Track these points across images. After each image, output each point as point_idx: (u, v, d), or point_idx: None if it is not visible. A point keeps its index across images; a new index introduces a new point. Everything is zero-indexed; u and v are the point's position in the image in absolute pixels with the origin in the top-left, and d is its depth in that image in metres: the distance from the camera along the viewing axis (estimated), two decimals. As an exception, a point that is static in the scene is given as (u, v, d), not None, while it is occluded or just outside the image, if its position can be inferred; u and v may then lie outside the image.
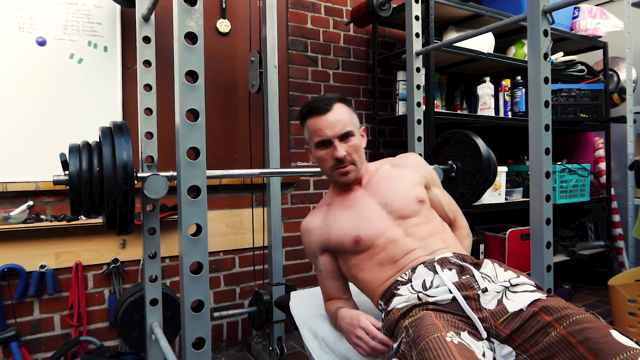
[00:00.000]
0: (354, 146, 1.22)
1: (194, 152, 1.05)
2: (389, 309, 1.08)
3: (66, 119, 1.95)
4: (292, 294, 1.52)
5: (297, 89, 2.52)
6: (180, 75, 1.03)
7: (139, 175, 1.31)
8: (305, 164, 2.55)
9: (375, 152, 2.66)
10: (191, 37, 1.03)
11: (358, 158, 1.23)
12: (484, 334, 0.96)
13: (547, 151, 1.37)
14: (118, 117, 2.03)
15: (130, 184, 1.25)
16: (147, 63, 1.59)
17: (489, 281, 1.04)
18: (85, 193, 1.24)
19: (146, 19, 1.59)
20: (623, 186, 3.01)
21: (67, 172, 1.25)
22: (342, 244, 1.20)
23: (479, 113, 2.66)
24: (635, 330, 2.12)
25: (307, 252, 1.31)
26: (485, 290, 1.00)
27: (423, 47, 1.99)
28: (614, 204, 3.10)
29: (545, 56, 1.36)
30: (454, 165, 1.80)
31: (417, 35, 1.94)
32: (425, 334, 0.89)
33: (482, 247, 2.63)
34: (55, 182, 1.25)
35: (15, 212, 1.82)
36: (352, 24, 2.57)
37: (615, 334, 0.85)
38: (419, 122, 1.95)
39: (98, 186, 1.25)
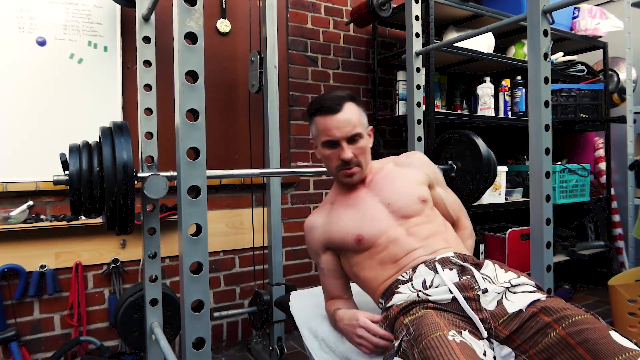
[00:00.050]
0: (361, 148, 1.21)
1: (194, 152, 1.05)
2: (388, 305, 1.09)
3: (66, 119, 1.95)
4: (292, 294, 1.52)
5: (297, 89, 2.52)
6: (180, 75, 1.03)
7: (139, 175, 1.31)
8: (305, 164, 2.55)
9: (375, 152, 2.64)
10: (191, 37, 1.03)
11: (364, 159, 1.23)
12: (485, 334, 0.96)
13: (547, 151, 1.37)
14: (118, 117, 2.03)
15: (130, 184, 1.25)
16: (147, 63, 1.59)
17: (489, 282, 1.04)
18: (85, 193, 1.24)
19: (146, 19, 1.59)
20: (623, 186, 3.01)
21: (67, 172, 1.25)
22: (344, 242, 1.20)
23: (479, 113, 2.66)
24: (635, 330, 2.12)
25: (309, 250, 1.31)
26: (485, 291, 1.00)
27: (423, 47, 1.99)
28: (614, 204, 3.10)
29: (545, 56, 1.36)
30: (454, 165, 1.80)
31: (417, 35, 1.94)
32: (427, 332, 0.89)
33: (482, 247, 2.63)
34: (55, 182, 1.25)
35: (15, 212, 1.83)
36: (352, 24, 2.57)
37: (614, 335, 0.85)
38: (419, 122, 1.95)
39: (98, 186, 1.25)
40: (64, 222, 1.88)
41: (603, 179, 3.11)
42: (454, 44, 2.36)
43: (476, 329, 0.96)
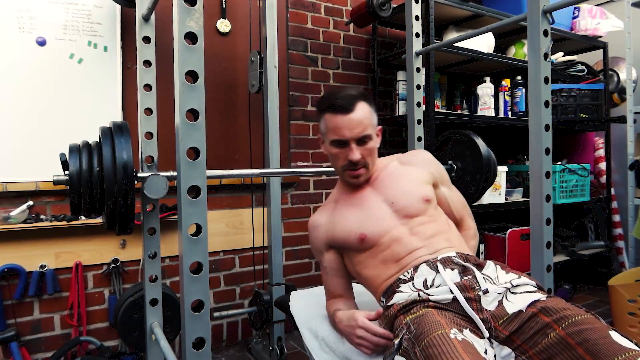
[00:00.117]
0: (370, 149, 1.21)
1: (194, 152, 1.05)
2: (389, 304, 1.09)
3: (66, 119, 1.95)
4: (292, 294, 1.52)
5: (297, 89, 2.52)
6: (180, 75, 1.03)
7: (139, 175, 1.31)
8: (305, 164, 2.55)
9: (375, 152, 2.66)
10: (191, 37, 1.03)
11: (371, 161, 1.23)
12: (486, 333, 0.96)
13: (547, 151, 1.37)
14: (118, 117, 2.03)
15: (130, 184, 1.25)
16: (147, 63, 1.59)
17: (490, 282, 1.04)
18: (85, 193, 1.24)
19: (146, 19, 1.59)
20: (623, 186, 3.01)
21: (67, 172, 1.25)
22: (347, 241, 1.20)
23: (479, 113, 2.66)
24: (635, 330, 2.12)
25: (313, 249, 1.30)
26: (486, 292, 1.00)
27: (423, 47, 1.99)
28: (614, 204, 3.10)
29: (545, 56, 1.36)
30: (454, 165, 1.80)
31: (417, 35, 1.94)
32: (429, 330, 0.89)
33: (482, 247, 2.63)
34: (55, 182, 1.25)
35: (15, 212, 1.83)
36: (352, 24, 2.57)
37: (614, 335, 0.85)
38: (419, 122, 1.95)
39: (98, 186, 1.25)
40: (64, 222, 1.88)
41: (603, 179, 3.11)
42: (454, 44, 2.36)
43: (477, 328, 0.96)
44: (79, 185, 1.24)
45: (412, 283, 1.09)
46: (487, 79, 2.68)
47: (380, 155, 1.31)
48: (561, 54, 3.01)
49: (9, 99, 1.85)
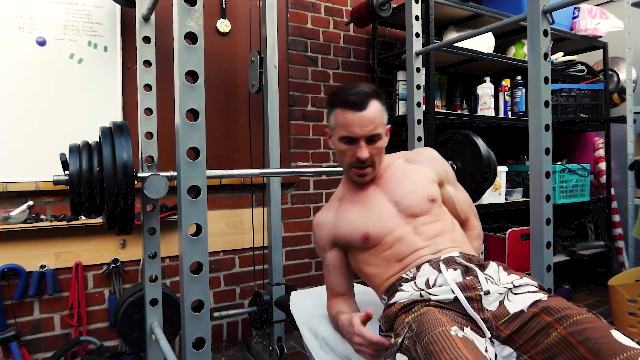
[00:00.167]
0: (378, 148, 1.20)
1: (194, 152, 1.05)
2: (390, 302, 1.09)
3: (66, 119, 1.95)
4: (292, 294, 1.52)
5: (297, 89, 2.52)
6: (180, 75, 1.03)
7: (139, 175, 1.31)
8: (305, 164, 2.55)
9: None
10: (191, 37, 1.03)
11: (378, 160, 1.22)
12: (487, 333, 0.96)
13: (547, 151, 1.37)
14: (118, 117, 2.03)
15: (130, 184, 1.25)
16: (147, 63, 1.59)
17: (492, 283, 1.04)
18: (85, 193, 1.24)
19: (146, 19, 1.59)
20: (623, 186, 3.01)
21: (67, 172, 1.25)
22: (350, 239, 1.20)
23: (479, 113, 2.66)
24: (635, 330, 2.12)
25: (316, 247, 1.30)
26: (487, 293, 1.00)
27: (423, 47, 1.99)
28: (614, 204, 3.10)
29: (545, 56, 1.36)
30: (454, 165, 1.80)
31: (417, 35, 1.94)
32: (430, 328, 0.90)
33: (482, 247, 2.63)
34: (55, 182, 1.25)
35: (15, 212, 1.82)
36: (352, 24, 2.57)
37: (616, 334, 0.85)
38: (419, 122, 1.95)
39: (98, 186, 1.25)
40: (64, 222, 1.88)
41: (603, 179, 3.11)
42: (454, 44, 2.36)
43: (478, 327, 0.97)
44: (79, 185, 1.24)
45: (414, 282, 1.09)
46: (487, 79, 2.68)
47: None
48: (561, 54, 3.01)
49: (9, 99, 1.85)
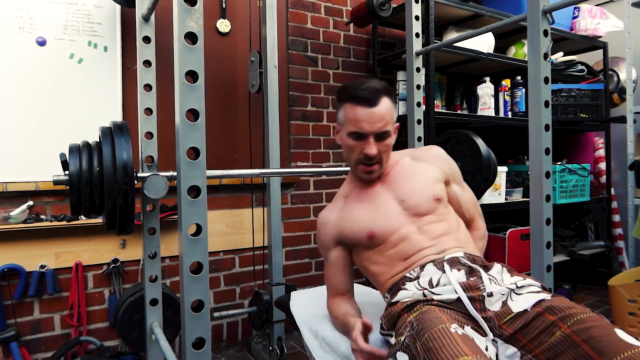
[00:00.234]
0: (387, 145, 1.19)
1: (194, 152, 1.05)
2: (393, 301, 1.09)
3: (66, 119, 1.95)
4: (293, 293, 1.52)
5: (297, 89, 2.52)
6: (180, 75, 1.03)
7: (139, 175, 1.31)
8: (305, 164, 2.55)
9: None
10: (191, 37, 1.03)
11: (385, 157, 1.21)
12: (489, 333, 0.96)
13: (547, 151, 1.37)
14: (118, 117, 2.03)
15: (130, 184, 1.25)
16: (147, 63, 1.59)
17: (495, 284, 1.04)
18: (85, 193, 1.24)
19: (146, 19, 1.59)
20: (623, 186, 3.01)
21: (67, 172, 1.25)
22: (355, 238, 1.20)
23: (479, 113, 2.66)
24: (635, 330, 2.12)
25: (320, 244, 1.29)
26: (490, 295, 1.00)
27: (423, 47, 1.99)
28: (614, 204, 3.10)
29: (545, 56, 1.36)
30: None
31: (417, 35, 1.94)
32: (430, 325, 0.90)
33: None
34: (55, 182, 1.25)
35: (15, 212, 1.82)
36: (352, 24, 2.57)
37: (619, 332, 0.85)
38: (419, 122, 1.95)
39: (98, 186, 1.25)
40: (64, 222, 1.88)
41: (603, 179, 3.11)
42: (454, 44, 2.36)
43: (479, 327, 0.97)
44: (79, 185, 1.24)
45: (418, 282, 1.08)
46: (487, 79, 2.68)
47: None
48: (561, 54, 3.01)
49: (9, 99, 1.85)
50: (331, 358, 1.18)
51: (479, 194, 1.75)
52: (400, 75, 2.54)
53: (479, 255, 1.17)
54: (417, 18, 1.94)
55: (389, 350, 1.01)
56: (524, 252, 2.44)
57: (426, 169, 1.26)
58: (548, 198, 1.39)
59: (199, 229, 1.06)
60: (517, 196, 2.78)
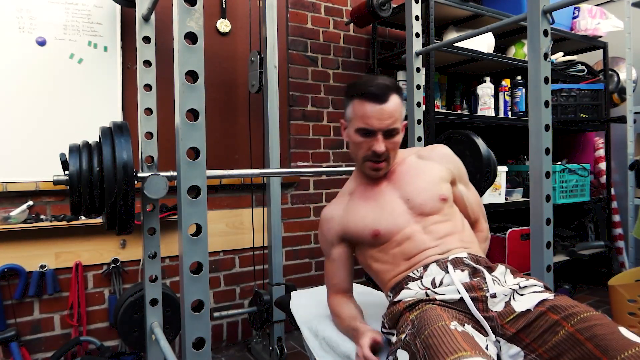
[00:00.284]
0: (395, 143, 1.19)
1: (194, 152, 1.05)
2: (395, 300, 1.09)
3: (66, 119, 1.95)
4: (293, 293, 1.52)
5: (297, 89, 2.52)
6: (180, 75, 1.03)
7: (139, 175, 1.31)
8: (305, 164, 2.55)
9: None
10: (191, 37, 1.03)
11: (393, 155, 1.21)
12: (491, 334, 0.96)
13: (547, 151, 1.37)
14: (118, 117, 2.03)
15: (130, 184, 1.25)
16: (147, 63, 1.59)
17: (498, 284, 1.04)
18: (85, 193, 1.24)
19: (146, 19, 1.59)
20: (623, 186, 3.01)
21: (67, 172, 1.25)
22: (360, 235, 1.19)
23: (479, 113, 2.66)
24: (635, 330, 2.09)
25: (323, 241, 1.28)
26: (494, 296, 1.00)
27: (423, 47, 1.99)
28: (614, 204, 3.10)
29: (545, 56, 1.36)
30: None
31: (417, 35, 1.94)
32: (430, 323, 0.90)
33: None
34: (55, 182, 1.25)
35: (15, 212, 1.83)
36: (352, 24, 2.57)
37: (623, 330, 0.85)
38: (418, 122, 1.95)
39: (98, 186, 1.25)
40: (64, 222, 1.88)
41: (603, 179, 3.11)
42: (454, 44, 2.36)
43: (481, 327, 0.97)
44: (79, 185, 1.24)
45: (421, 281, 1.09)
46: (487, 79, 2.68)
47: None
48: (561, 54, 3.01)
49: (9, 99, 1.85)
50: (331, 357, 1.18)
51: (479, 194, 1.75)
52: (400, 75, 2.54)
53: (483, 256, 1.17)
54: (417, 18, 1.94)
55: (389, 349, 1.01)
56: (524, 252, 2.44)
57: (433, 168, 1.25)
58: (548, 198, 1.39)
59: (199, 229, 1.06)
60: (517, 196, 2.78)
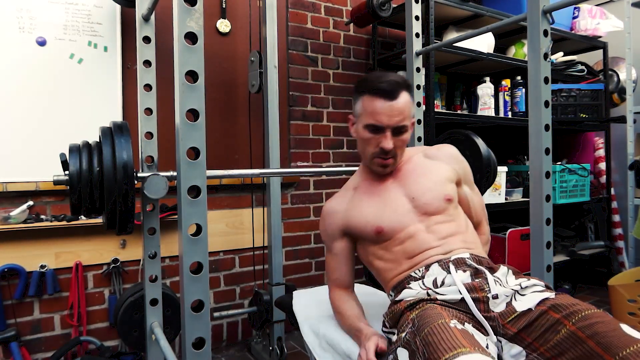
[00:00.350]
0: (403, 140, 1.18)
1: (194, 152, 1.05)
2: (397, 299, 1.09)
3: (66, 119, 1.95)
4: (295, 293, 1.52)
5: (297, 89, 2.52)
6: (180, 75, 1.03)
7: (139, 175, 1.31)
8: (305, 164, 2.55)
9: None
10: (191, 37, 1.03)
11: (400, 152, 1.21)
12: (492, 334, 0.96)
13: (547, 151, 1.37)
14: (118, 117, 2.03)
15: (130, 184, 1.25)
16: (147, 63, 1.59)
17: (500, 285, 1.04)
18: (85, 193, 1.24)
19: (146, 19, 1.58)
20: (623, 186, 3.01)
21: (67, 172, 1.25)
22: (363, 231, 1.19)
23: (479, 113, 2.66)
24: (635, 330, 2.12)
25: (325, 235, 1.28)
26: (495, 297, 1.00)
27: (423, 47, 1.99)
28: (614, 204, 3.10)
29: (545, 56, 1.36)
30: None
31: (417, 35, 1.94)
32: (430, 321, 0.90)
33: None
34: (55, 182, 1.25)
35: (15, 212, 1.82)
36: (352, 24, 2.57)
37: (625, 327, 0.84)
38: (418, 122, 1.95)
39: (98, 186, 1.25)
40: (64, 222, 1.88)
41: (603, 179, 3.11)
42: (454, 44, 2.36)
43: (481, 326, 0.97)
44: (79, 185, 1.24)
45: (422, 281, 1.09)
46: (487, 79, 2.68)
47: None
48: (561, 54, 3.01)
49: (9, 99, 1.85)
50: (331, 357, 1.18)
51: (479, 194, 1.75)
52: (400, 75, 2.54)
53: (485, 257, 1.17)
54: (417, 18, 1.94)
55: (390, 347, 1.01)
56: (524, 252, 2.44)
57: (439, 168, 1.25)
58: (548, 198, 1.39)
59: (199, 229, 1.06)
60: (517, 196, 2.78)
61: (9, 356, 1.81)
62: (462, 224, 1.20)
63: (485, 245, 1.32)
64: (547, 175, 1.38)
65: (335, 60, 2.66)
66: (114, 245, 2.05)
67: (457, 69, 2.81)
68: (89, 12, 1.99)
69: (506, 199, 2.71)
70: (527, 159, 2.66)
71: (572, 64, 2.97)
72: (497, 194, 2.60)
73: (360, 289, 1.37)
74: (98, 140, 1.32)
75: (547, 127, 1.38)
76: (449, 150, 1.30)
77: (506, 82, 2.75)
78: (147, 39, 1.60)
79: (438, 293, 1.03)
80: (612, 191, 3.11)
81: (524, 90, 2.73)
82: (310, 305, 1.40)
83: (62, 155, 1.27)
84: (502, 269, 1.10)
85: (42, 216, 1.90)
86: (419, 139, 1.95)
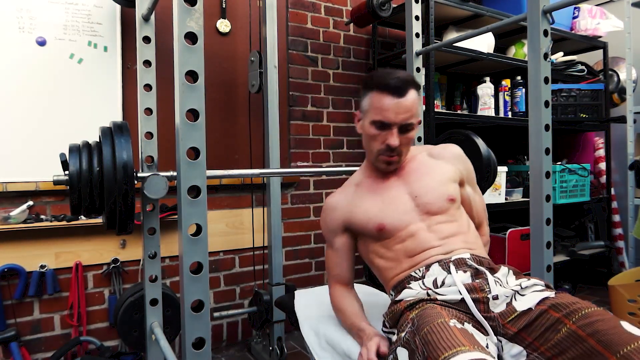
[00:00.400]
0: (409, 138, 1.18)
1: (194, 152, 1.05)
2: (397, 299, 1.09)
3: (66, 119, 1.95)
4: (296, 292, 1.52)
5: (297, 89, 2.52)
6: (180, 75, 1.03)
7: (139, 175, 1.31)
8: (305, 164, 2.55)
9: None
10: (191, 37, 1.03)
11: (406, 150, 1.20)
12: (492, 335, 0.96)
13: (547, 151, 1.37)
14: (118, 117, 2.03)
15: (130, 184, 1.25)
16: (147, 63, 1.59)
17: (500, 285, 1.04)
18: (85, 193, 1.24)
19: (146, 19, 1.59)
20: (623, 186, 3.01)
21: (67, 172, 1.25)
22: (365, 228, 1.19)
23: (479, 113, 2.66)
24: (635, 330, 2.12)
25: (326, 229, 1.28)
26: (496, 298, 1.00)
27: (423, 47, 1.99)
28: (614, 204, 3.10)
29: (545, 56, 1.36)
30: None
31: (417, 35, 1.94)
32: (429, 320, 0.90)
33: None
34: (55, 182, 1.25)
35: (15, 212, 1.82)
36: (352, 24, 2.57)
37: (625, 324, 0.84)
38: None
39: (98, 186, 1.25)
40: (64, 222, 1.88)
41: (603, 179, 3.11)
42: (454, 44, 2.36)
43: (481, 326, 0.97)
44: (79, 185, 1.24)
45: (422, 281, 1.08)
46: (487, 79, 2.68)
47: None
48: (561, 54, 3.01)
49: (9, 99, 1.85)
50: (331, 356, 1.18)
51: (479, 194, 1.75)
52: (400, 75, 2.54)
53: (487, 257, 1.16)
54: (417, 18, 1.93)
55: (390, 347, 1.01)
56: (524, 252, 2.44)
57: (443, 167, 1.24)
58: (548, 198, 1.39)
59: (199, 229, 1.06)
60: (517, 196, 2.78)
61: (8, 356, 1.81)
62: (464, 224, 1.20)
63: (485, 246, 1.32)
64: (547, 175, 1.38)
65: (335, 60, 2.66)
66: (114, 245, 2.05)
67: (457, 69, 2.81)
68: (89, 12, 1.99)
69: (506, 199, 2.71)
70: (527, 159, 2.66)
71: (572, 64, 2.97)
72: (497, 194, 2.60)
73: (361, 289, 1.37)
74: (98, 140, 1.32)
75: (547, 127, 1.38)
76: (454, 150, 1.30)
77: (506, 82, 2.75)
78: (147, 39, 1.60)
79: (438, 293, 1.03)
80: (612, 191, 3.11)
81: (524, 90, 2.73)
82: (311, 305, 1.40)
83: (62, 155, 1.27)
84: (503, 270, 1.10)
85: (42, 216, 1.90)
86: (419, 138, 1.95)
